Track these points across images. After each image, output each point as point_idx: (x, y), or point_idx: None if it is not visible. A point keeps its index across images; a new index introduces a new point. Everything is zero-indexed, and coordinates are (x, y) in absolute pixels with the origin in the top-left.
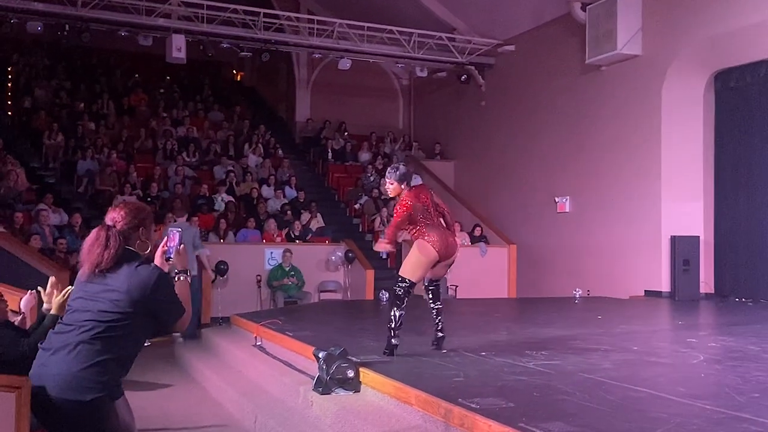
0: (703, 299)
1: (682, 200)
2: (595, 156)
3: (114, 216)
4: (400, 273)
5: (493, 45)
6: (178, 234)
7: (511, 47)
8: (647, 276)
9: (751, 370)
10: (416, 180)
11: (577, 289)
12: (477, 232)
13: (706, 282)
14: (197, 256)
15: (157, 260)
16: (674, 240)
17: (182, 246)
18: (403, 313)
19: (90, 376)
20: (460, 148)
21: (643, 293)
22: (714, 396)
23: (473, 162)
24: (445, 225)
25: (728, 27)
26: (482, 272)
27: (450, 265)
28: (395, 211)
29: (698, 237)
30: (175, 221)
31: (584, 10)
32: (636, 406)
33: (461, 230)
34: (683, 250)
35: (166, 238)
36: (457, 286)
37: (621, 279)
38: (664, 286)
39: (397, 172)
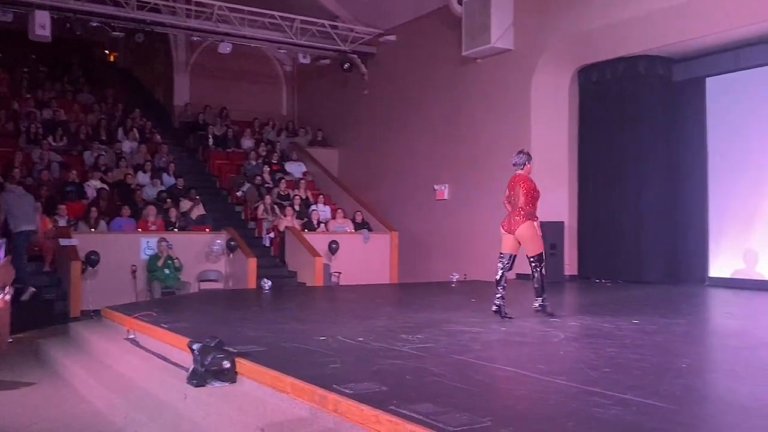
0: (568, 281)
1: (549, 188)
2: (471, 145)
3: None
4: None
5: (375, 34)
6: (2, 246)
7: (393, 37)
8: (518, 260)
9: (604, 346)
10: (517, 166)
11: (454, 274)
12: (358, 218)
13: (570, 265)
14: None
15: None
16: (542, 226)
17: (5, 258)
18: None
19: None
20: (344, 135)
21: (515, 276)
22: (570, 372)
23: (357, 150)
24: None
25: (591, 25)
26: (365, 258)
27: (520, 242)
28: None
29: (563, 223)
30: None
31: (461, 4)
32: (501, 385)
33: (344, 217)
34: (550, 235)
35: None
36: (340, 273)
37: (495, 263)
38: None
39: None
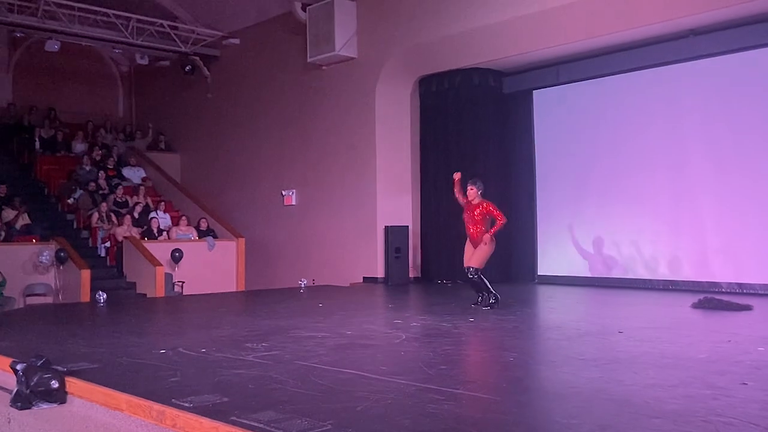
0: (412, 283)
1: (394, 193)
2: (318, 151)
3: None
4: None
5: (218, 37)
6: None
7: (236, 41)
8: (365, 264)
9: (442, 344)
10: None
11: (303, 279)
12: (203, 225)
13: (415, 267)
14: None
15: None
16: (387, 230)
17: None
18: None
19: None
20: (187, 140)
21: (362, 280)
22: (409, 371)
23: (201, 155)
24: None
25: (429, 37)
26: (210, 267)
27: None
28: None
29: (407, 227)
30: None
31: (305, 11)
32: (343, 388)
33: (188, 224)
34: (395, 239)
35: None
36: (183, 282)
37: (343, 267)
38: (380, 273)
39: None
